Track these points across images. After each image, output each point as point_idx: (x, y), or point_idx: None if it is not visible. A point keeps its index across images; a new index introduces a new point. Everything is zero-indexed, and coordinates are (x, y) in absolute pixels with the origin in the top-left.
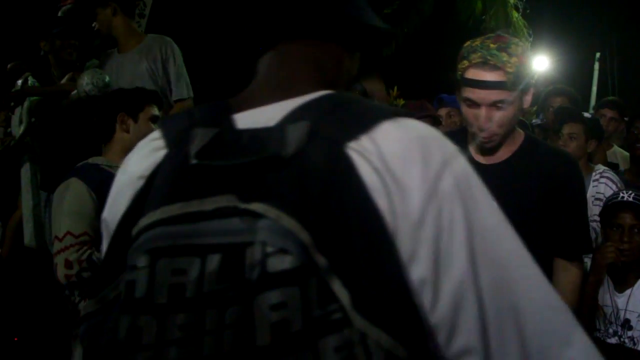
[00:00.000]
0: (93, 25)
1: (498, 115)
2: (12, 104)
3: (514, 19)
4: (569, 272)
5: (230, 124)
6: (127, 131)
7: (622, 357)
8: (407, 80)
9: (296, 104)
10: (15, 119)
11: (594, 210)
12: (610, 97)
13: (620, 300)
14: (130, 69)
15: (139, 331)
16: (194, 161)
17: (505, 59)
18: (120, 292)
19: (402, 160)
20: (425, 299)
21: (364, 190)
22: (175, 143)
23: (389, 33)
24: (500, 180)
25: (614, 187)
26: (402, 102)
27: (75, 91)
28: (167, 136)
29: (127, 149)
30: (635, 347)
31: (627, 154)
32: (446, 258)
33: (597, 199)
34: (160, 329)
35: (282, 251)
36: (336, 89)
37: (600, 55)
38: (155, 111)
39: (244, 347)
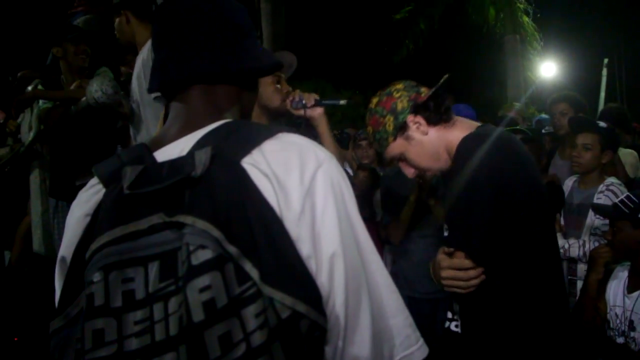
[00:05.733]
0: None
1: (408, 161)
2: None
3: (525, 24)
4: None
5: (152, 160)
6: None
7: (627, 357)
8: None
9: (200, 135)
10: (24, 125)
11: (595, 222)
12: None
13: (630, 301)
14: (135, 74)
15: (101, 332)
16: (127, 192)
17: (369, 133)
18: (81, 308)
19: (284, 167)
20: (311, 269)
21: (258, 193)
22: (111, 182)
23: (275, 67)
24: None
25: (615, 200)
26: None
27: (84, 98)
28: (102, 178)
29: None
30: (637, 349)
31: (626, 150)
32: (321, 238)
33: None
34: (119, 326)
35: (201, 247)
36: (232, 118)
37: (609, 61)
38: None
39: (185, 326)
